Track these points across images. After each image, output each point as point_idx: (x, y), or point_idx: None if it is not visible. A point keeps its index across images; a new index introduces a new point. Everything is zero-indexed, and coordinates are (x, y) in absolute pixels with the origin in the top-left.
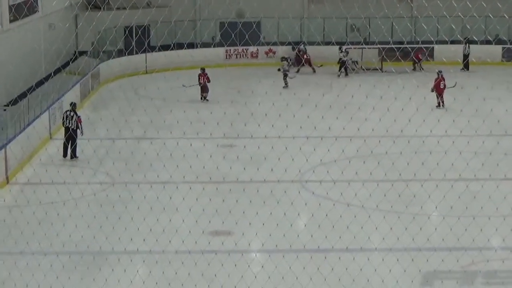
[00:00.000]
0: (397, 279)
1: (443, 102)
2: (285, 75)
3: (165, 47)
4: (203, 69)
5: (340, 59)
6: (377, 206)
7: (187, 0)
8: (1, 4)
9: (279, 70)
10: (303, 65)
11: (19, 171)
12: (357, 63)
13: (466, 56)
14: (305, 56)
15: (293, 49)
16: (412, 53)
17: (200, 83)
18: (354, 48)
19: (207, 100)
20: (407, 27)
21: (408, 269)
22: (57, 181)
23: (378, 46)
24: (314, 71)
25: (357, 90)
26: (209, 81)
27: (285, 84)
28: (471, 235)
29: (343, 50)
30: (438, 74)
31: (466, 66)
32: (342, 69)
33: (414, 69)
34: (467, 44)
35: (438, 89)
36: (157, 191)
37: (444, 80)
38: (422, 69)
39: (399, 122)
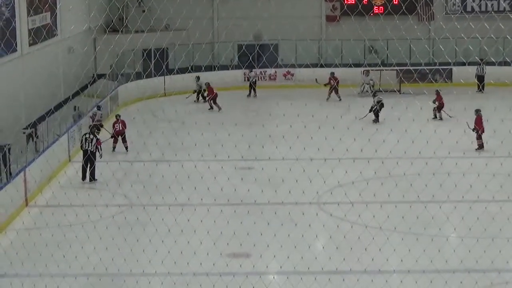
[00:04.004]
0: None
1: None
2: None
3: (183, 70)
4: (118, 116)
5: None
6: (395, 228)
7: (205, 23)
8: (20, 28)
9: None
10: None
11: (38, 193)
12: (373, 86)
13: (481, 77)
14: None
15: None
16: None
17: (112, 134)
18: (372, 70)
19: (126, 150)
20: (425, 49)
21: None
22: (76, 203)
23: (396, 68)
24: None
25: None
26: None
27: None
28: (490, 257)
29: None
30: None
31: (481, 87)
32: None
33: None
34: (483, 65)
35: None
36: (175, 214)
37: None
38: (441, 118)
39: (417, 144)
